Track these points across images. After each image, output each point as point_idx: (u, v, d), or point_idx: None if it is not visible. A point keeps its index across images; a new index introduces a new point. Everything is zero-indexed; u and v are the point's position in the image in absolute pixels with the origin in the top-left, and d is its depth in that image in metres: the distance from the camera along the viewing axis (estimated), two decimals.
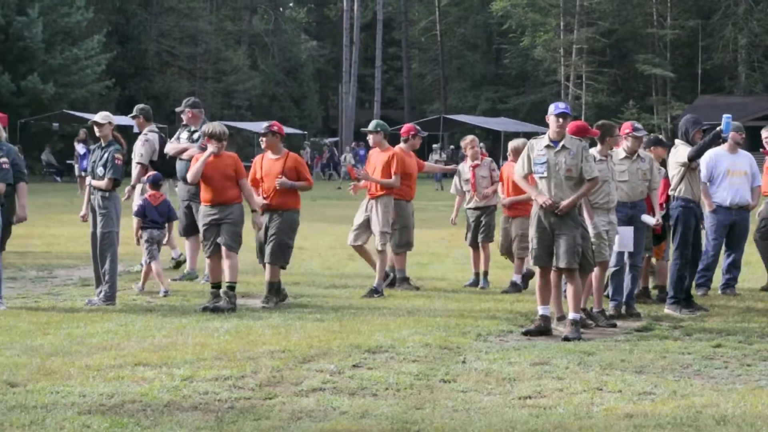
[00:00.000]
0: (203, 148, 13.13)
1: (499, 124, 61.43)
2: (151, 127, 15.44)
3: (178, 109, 14.93)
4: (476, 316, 11.83)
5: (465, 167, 14.73)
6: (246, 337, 10.20)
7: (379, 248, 13.54)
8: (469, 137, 14.90)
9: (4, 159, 12.11)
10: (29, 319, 11.17)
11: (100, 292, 12.41)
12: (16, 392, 7.76)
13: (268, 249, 12.46)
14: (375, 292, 13.33)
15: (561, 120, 10.73)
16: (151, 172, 14.44)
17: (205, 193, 12.37)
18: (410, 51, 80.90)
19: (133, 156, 15.30)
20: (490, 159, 14.78)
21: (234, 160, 12.35)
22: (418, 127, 14.94)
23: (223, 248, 12.15)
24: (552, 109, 10.82)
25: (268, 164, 12.57)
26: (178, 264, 15.59)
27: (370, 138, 13.98)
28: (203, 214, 12.36)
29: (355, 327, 10.88)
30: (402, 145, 14.55)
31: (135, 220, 13.93)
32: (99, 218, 12.37)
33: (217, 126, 12.51)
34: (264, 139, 12.63)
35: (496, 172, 14.57)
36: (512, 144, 14.06)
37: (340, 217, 26.03)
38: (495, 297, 13.55)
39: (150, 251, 13.67)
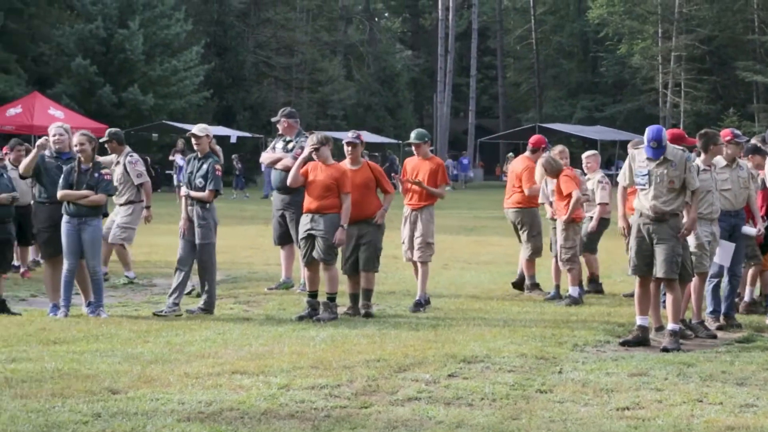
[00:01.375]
0: (296, 158, 13.20)
1: (596, 132, 60.83)
2: (128, 149, 15.66)
3: (274, 119, 15.04)
4: (572, 326, 11.73)
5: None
6: (341, 346, 10.23)
7: (422, 259, 13.40)
8: (558, 147, 14.71)
9: (106, 170, 12.34)
10: (130, 327, 11.35)
11: (175, 303, 12.49)
12: (117, 399, 7.88)
13: (363, 257, 12.48)
14: (419, 305, 13.15)
15: (655, 142, 10.57)
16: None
17: (305, 201, 12.44)
18: (505, 60, 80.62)
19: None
20: (579, 171, 14.51)
21: (340, 173, 12.33)
22: (545, 139, 15.16)
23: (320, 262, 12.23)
24: (646, 135, 10.63)
25: (348, 174, 12.55)
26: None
27: (416, 148, 13.71)
28: (302, 223, 12.43)
29: (451, 336, 10.86)
30: (528, 154, 14.75)
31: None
32: (198, 229, 12.48)
33: (320, 134, 12.63)
34: (350, 148, 12.63)
35: (584, 186, 14.29)
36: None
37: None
38: (591, 307, 13.41)
39: None
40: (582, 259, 14.29)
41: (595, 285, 14.79)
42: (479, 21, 73.69)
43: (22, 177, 13.34)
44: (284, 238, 14.67)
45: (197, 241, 12.49)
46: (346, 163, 12.63)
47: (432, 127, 68.62)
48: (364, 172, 12.59)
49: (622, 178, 10.96)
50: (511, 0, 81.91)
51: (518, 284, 14.79)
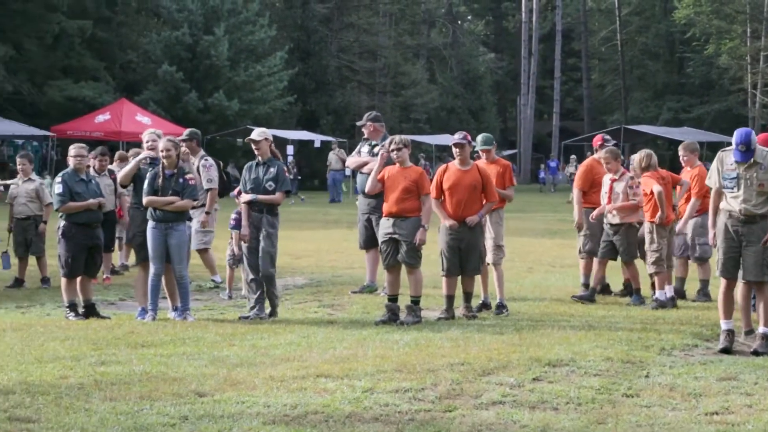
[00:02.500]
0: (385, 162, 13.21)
1: (682, 134, 59.99)
2: (203, 152, 15.64)
3: (359, 123, 15.09)
4: (659, 329, 11.58)
5: (606, 179, 14.31)
6: (425, 350, 10.22)
7: (494, 262, 13.31)
8: (609, 150, 14.42)
9: (191, 175, 12.46)
10: (215, 330, 11.45)
11: (254, 307, 12.57)
12: (204, 402, 7.95)
13: (467, 261, 12.43)
14: (503, 306, 13.12)
15: (744, 146, 10.38)
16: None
17: (384, 205, 12.45)
18: (590, 61, 79.99)
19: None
20: (630, 175, 14.23)
21: (418, 174, 12.33)
22: (607, 137, 14.98)
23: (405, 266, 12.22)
24: (734, 138, 10.44)
25: (456, 175, 12.53)
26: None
27: (483, 153, 13.63)
28: (382, 227, 12.43)
29: (535, 340, 10.79)
30: (596, 155, 14.66)
31: (233, 233, 14.41)
32: (264, 235, 12.43)
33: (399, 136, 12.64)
34: (458, 149, 12.59)
35: (633, 189, 13.90)
36: (636, 156, 13.99)
37: (516, 229, 25.94)
38: (678, 310, 13.24)
39: (233, 257, 14.47)
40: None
41: (629, 290, 14.50)
42: (563, 23, 73.20)
43: (123, 186, 13.56)
44: (370, 242, 14.69)
45: (263, 248, 12.46)
46: (454, 164, 12.62)
47: (515, 130, 68.39)
48: (473, 173, 12.53)
49: (712, 181, 10.79)
50: (596, 1, 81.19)
51: (603, 288, 14.65)
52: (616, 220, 13.95)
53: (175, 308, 12.53)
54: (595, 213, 14.05)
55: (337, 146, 43.00)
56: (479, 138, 13.61)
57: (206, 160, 15.50)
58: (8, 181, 16.25)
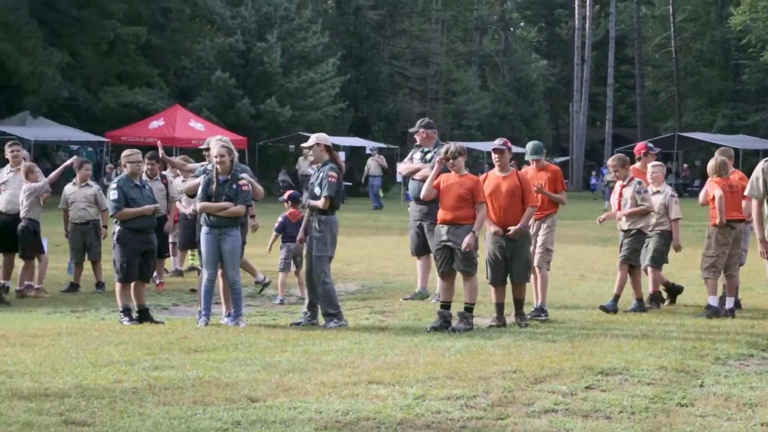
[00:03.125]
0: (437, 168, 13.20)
1: (737, 141, 59.40)
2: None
3: (412, 130, 15.08)
4: (714, 338, 11.47)
5: (617, 185, 14.22)
6: (477, 357, 10.19)
7: (539, 264, 13.26)
8: (617, 157, 14.27)
9: (244, 181, 12.51)
10: (268, 336, 11.50)
11: (307, 312, 12.57)
12: (256, 407, 7.99)
13: (514, 268, 12.39)
14: (541, 311, 13.12)
15: None
16: (290, 191, 15.54)
17: (438, 213, 12.45)
18: (643, 68, 79.45)
19: None
20: (638, 180, 14.11)
21: (473, 182, 12.30)
22: (650, 145, 14.85)
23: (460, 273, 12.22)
24: None
25: (496, 182, 12.52)
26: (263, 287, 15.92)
27: (533, 161, 13.58)
28: (437, 234, 12.42)
29: (588, 348, 10.72)
30: (636, 164, 14.57)
31: (273, 235, 15.03)
32: (314, 241, 12.45)
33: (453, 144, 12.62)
34: (497, 155, 12.57)
35: (641, 195, 13.80)
36: (710, 163, 13.82)
37: (569, 236, 25.81)
38: (733, 319, 13.10)
39: (284, 262, 14.89)
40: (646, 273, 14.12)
41: (657, 302, 14.32)
42: (617, 29, 72.79)
43: (190, 196, 13.68)
44: (421, 249, 14.70)
45: (312, 253, 12.52)
46: (494, 171, 12.60)
47: (568, 137, 68.07)
48: (512, 179, 12.50)
49: (756, 191, 10.67)
50: (650, 8, 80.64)
51: (655, 297, 14.55)
52: (625, 226, 13.91)
53: (229, 314, 12.60)
54: (603, 217, 14.09)
55: (376, 152, 42.90)
56: (528, 146, 13.59)
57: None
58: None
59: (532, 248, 13.20)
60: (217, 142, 12.60)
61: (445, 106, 66.62)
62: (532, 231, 13.25)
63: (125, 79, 48.44)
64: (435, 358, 10.09)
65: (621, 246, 13.95)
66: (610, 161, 14.12)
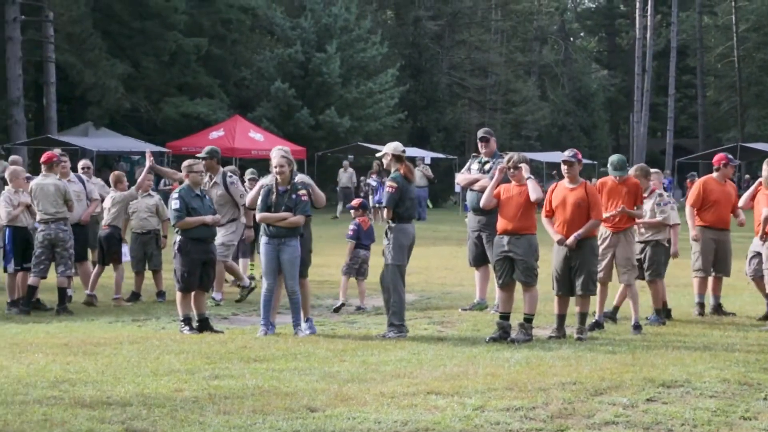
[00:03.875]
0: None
1: None
2: (222, 169, 15.74)
3: (480, 136, 14.91)
4: None
5: None
6: (536, 368, 10.14)
7: (628, 282, 13.15)
8: (639, 167, 14.07)
9: (303, 192, 12.56)
10: (326, 346, 11.52)
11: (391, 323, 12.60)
12: (315, 417, 8.00)
13: (579, 280, 12.31)
14: (638, 327, 13.00)
15: None
16: (358, 199, 15.97)
17: (498, 223, 12.41)
18: (705, 78, 78.70)
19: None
20: (658, 192, 13.94)
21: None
22: (730, 156, 14.75)
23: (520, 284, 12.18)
24: None
25: (563, 193, 12.44)
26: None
27: (616, 173, 13.43)
28: (497, 245, 12.38)
29: (649, 360, 10.63)
30: (714, 174, 14.45)
31: (349, 243, 15.27)
32: (385, 249, 12.56)
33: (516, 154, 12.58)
34: (566, 167, 12.48)
35: (660, 207, 13.70)
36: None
37: None
38: None
39: (349, 267, 15.21)
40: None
41: (664, 313, 14.13)
42: (678, 39, 72.15)
43: (250, 208, 13.81)
44: (480, 259, 14.67)
45: (385, 261, 12.58)
46: (563, 182, 12.52)
47: (628, 148, 67.51)
48: (579, 191, 12.41)
49: None
50: (712, 17, 79.90)
51: (716, 308, 14.46)
52: (642, 237, 13.78)
53: (307, 319, 12.72)
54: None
55: (422, 162, 42.70)
56: (612, 160, 13.40)
57: (231, 177, 15.75)
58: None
59: (606, 263, 13.13)
60: (278, 152, 12.67)
61: (504, 116, 66.42)
62: (607, 244, 13.18)
63: (186, 90, 48.86)
64: (494, 369, 10.05)
65: (644, 260, 13.77)
66: (632, 171, 13.89)
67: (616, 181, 13.20)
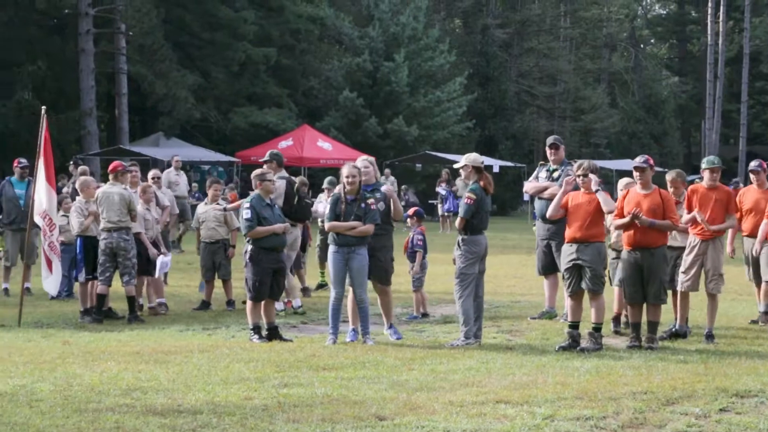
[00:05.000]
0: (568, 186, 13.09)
1: None
2: (281, 173, 15.57)
3: (550, 143, 14.85)
4: None
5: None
6: (607, 377, 10.06)
7: (714, 291, 12.99)
8: (678, 172, 13.84)
9: (372, 200, 12.59)
10: (395, 354, 11.52)
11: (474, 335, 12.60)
12: (384, 425, 8.00)
13: (650, 289, 12.20)
14: (710, 336, 12.86)
15: None
16: (416, 207, 15.98)
17: (567, 231, 12.34)
18: None
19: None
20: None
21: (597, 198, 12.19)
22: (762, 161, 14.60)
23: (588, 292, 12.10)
24: None
25: (636, 199, 12.34)
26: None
27: (707, 174, 13.30)
28: (565, 253, 12.31)
29: (721, 370, 10.49)
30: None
31: (419, 253, 15.20)
32: (457, 259, 12.60)
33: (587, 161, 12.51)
34: (638, 173, 12.39)
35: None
36: None
37: None
38: None
39: (421, 280, 15.24)
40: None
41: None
42: (751, 45, 71.25)
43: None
44: (549, 268, 14.59)
45: (455, 271, 12.61)
46: (636, 188, 12.42)
47: (699, 155, 66.76)
48: (654, 197, 12.30)
49: None
50: None
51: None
52: (676, 243, 13.44)
53: (390, 326, 12.86)
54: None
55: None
56: (709, 159, 13.31)
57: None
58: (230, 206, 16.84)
59: (694, 270, 13.00)
60: (362, 162, 13.02)
61: (573, 124, 66.05)
62: (696, 252, 13.03)
63: (255, 100, 49.19)
64: (563, 378, 9.99)
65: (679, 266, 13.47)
66: (669, 176, 13.65)
67: (707, 187, 13.06)
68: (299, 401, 8.86)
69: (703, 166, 13.33)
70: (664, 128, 70.15)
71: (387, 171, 41.94)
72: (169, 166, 29.19)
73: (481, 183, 12.62)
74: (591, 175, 12.21)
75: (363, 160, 13.15)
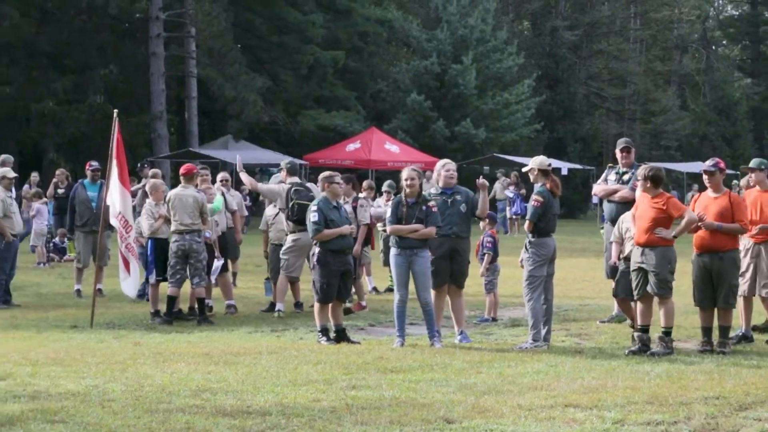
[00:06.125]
0: (634, 189, 13.02)
1: None
2: (293, 179, 15.75)
3: (621, 146, 14.71)
4: None
5: None
6: (678, 382, 9.95)
7: (764, 295, 12.81)
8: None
9: (433, 203, 12.58)
10: (462, 357, 11.49)
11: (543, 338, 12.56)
12: (452, 428, 7.99)
13: (720, 293, 12.07)
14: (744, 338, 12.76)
15: None
16: (488, 211, 15.58)
17: (635, 234, 12.23)
18: None
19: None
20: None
21: (665, 200, 12.01)
22: None
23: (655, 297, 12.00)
24: None
25: (705, 203, 12.22)
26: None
27: (752, 176, 13.11)
28: (633, 256, 12.21)
29: None
30: None
31: (487, 255, 15.17)
32: (525, 262, 12.61)
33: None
34: (707, 176, 12.27)
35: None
36: None
37: None
38: None
39: (493, 282, 15.22)
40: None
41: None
42: None
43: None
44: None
45: (524, 274, 12.60)
46: (707, 192, 12.31)
47: None
48: (723, 201, 12.17)
49: None
50: None
51: None
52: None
53: (461, 332, 12.87)
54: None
55: (503, 175, 41.78)
56: (754, 161, 13.17)
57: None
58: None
59: (750, 274, 12.83)
60: (445, 164, 13.11)
61: (643, 126, 65.50)
62: (750, 255, 12.89)
63: (323, 103, 49.41)
64: (634, 383, 9.90)
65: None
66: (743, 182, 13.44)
67: (759, 190, 12.91)
68: (367, 403, 8.87)
69: (752, 165, 13.15)
70: (736, 130, 69.31)
71: (428, 174, 41.42)
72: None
73: (548, 185, 12.56)
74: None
75: (449, 161, 13.26)
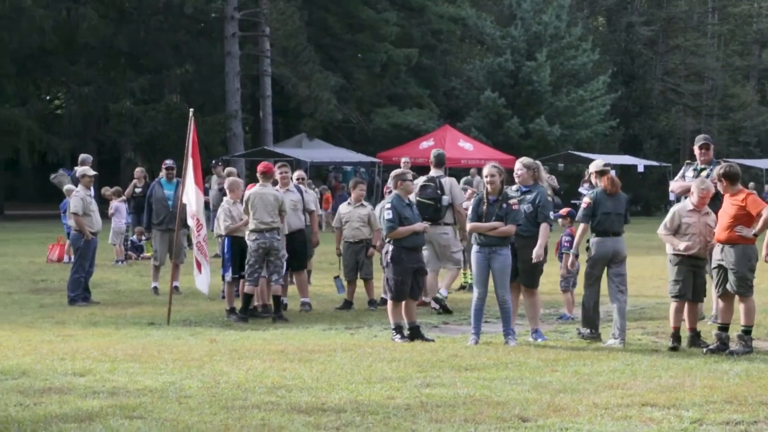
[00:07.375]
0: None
1: None
2: (437, 172, 15.78)
3: (699, 144, 14.53)
4: None
5: None
6: (758, 381, 9.81)
7: None
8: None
9: (514, 200, 12.53)
10: (537, 355, 11.43)
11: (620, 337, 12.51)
12: (527, 427, 7.95)
13: None
14: None
15: None
16: (568, 208, 15.99)
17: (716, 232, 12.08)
18: None
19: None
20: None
21: (744, 196, 11.81)
22: None
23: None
24: None
25: None
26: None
27: None
28: (714, 253, 12.06)
29: None
30: None
31: (566, 254, 14.82)
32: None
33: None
34: None
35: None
36: None
37: None
38: None
39: (567, 280, 15.27)
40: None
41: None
42: None
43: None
44: None
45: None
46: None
47: None
48: None
49: None
50: None
51: None
52: None
53: (535, 330, 12.89)
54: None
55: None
56: None
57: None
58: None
59: None
60: (521, 163, 13.14)
61: (721, 122, 64.60)
62: None
63: (396, 101, 49.47)
64: (712, 382, 9.77)
65: None
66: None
67: None
68: (442, 401, 8.85)
69: None
70: None
71: (473, 171, 40.90)
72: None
73: (603, 184, 12.63)
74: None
75: (518, 162, 13.22)
